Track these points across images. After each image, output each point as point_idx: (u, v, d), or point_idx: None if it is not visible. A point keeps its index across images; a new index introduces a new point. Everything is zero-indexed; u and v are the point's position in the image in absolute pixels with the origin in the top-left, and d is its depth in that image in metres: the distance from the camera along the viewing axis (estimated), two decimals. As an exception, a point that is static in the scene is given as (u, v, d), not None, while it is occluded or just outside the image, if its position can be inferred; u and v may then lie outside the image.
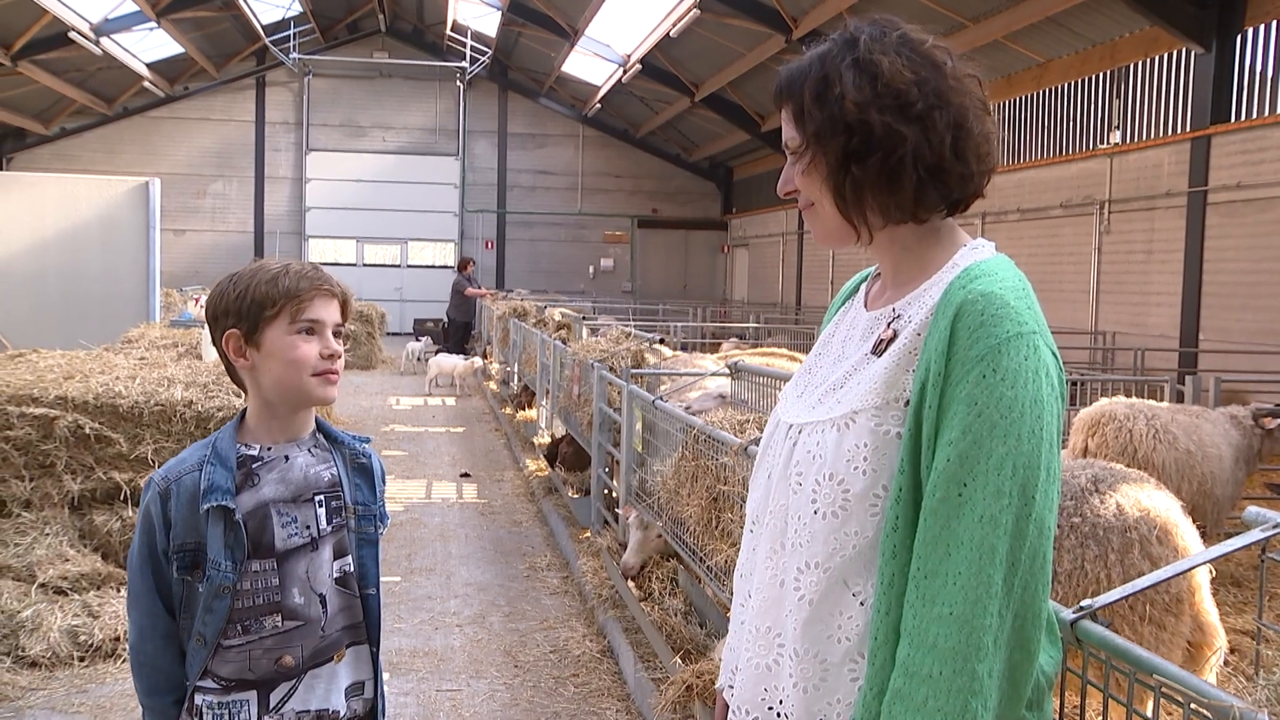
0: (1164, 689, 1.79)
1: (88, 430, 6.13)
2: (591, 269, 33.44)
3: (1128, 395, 8.15)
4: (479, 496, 9.86)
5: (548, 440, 10.49)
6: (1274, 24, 12.54)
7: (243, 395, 2.35)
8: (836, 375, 1.71)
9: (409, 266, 32.03)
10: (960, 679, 1.42)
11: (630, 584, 6.13)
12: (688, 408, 5.42)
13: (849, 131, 1.61)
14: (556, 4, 24.03)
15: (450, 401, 16.69)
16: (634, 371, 7.25)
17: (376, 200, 31.48)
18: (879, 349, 1.65)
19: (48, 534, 5.97)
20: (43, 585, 5.67)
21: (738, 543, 4.11)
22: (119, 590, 5.83)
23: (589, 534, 7.67)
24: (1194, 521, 3.38)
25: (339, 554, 2.30)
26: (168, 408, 6.27)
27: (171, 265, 25.51)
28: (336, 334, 2.31)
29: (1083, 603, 1.99)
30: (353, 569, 2.32)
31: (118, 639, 5.49)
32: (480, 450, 12.34)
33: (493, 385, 17.40)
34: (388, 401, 16.38)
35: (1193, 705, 1.72)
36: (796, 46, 19.12)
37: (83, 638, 5.44)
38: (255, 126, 31.36)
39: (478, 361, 17.43)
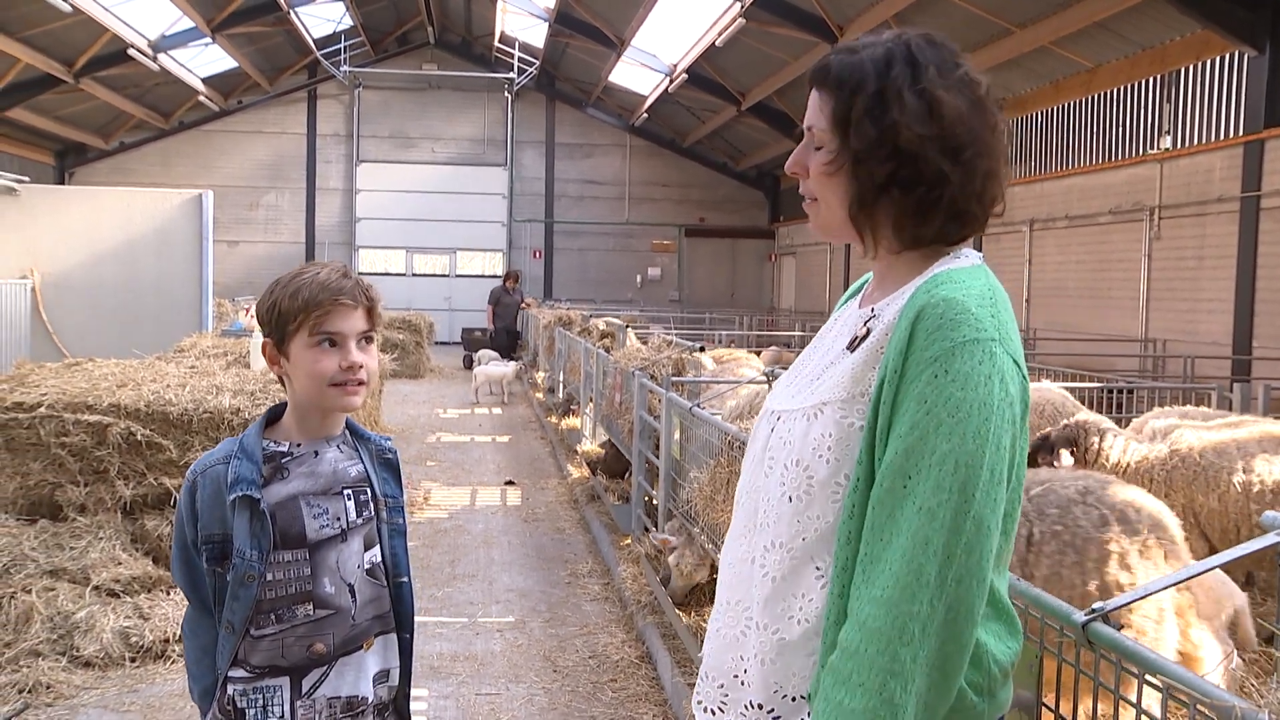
0: (1172, 690, 1.81)
1: (139, 437, 6.29)
2: (639, 278, 33.52)
3: (1176, 404, 8.07)
4: (522, 504, 9.94)
5: (592, 448, 10.56)
6: (1328, 26, 12.33)
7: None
8: (815, 367, 1.79)
9: (458, 276, 32.31)
10: (883, 659, 1.48)
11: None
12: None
13: (899, 160, 1.64)
14: (603, 15, 24.17)
15: (497, 411, 16.83)
16: (675, 380, 7.30)
17: (425, 211, 31.81)
18: (853, 345, 1.73)
19: (101, 538, 6.13)
20: (96, 588, 5.82)
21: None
22: (169, 593, 5.97)
23: (630, 540, 7.72)
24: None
25: (368, 545, 2.39)
26: (216, 415, 6.41)
27: (225, 276, 25.94)
28: (370, 339, 2.39)
29: (1094, 605, 2.01)
30: (379, 560, 2.41)
31: (167, 640, 5.63)
32: (525, 458, 12.44)
33: (539, 394, 17.53)
34: (434, 411, 16.56)
35: (1199, 706, 1.73)
36: (842, 54, 19.06)
37: (134, 639, 5.58)
38: (306, 139, 31.84)
39: (512, 366, 17.71)
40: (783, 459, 1.70)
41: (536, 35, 28.40)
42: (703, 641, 4.89)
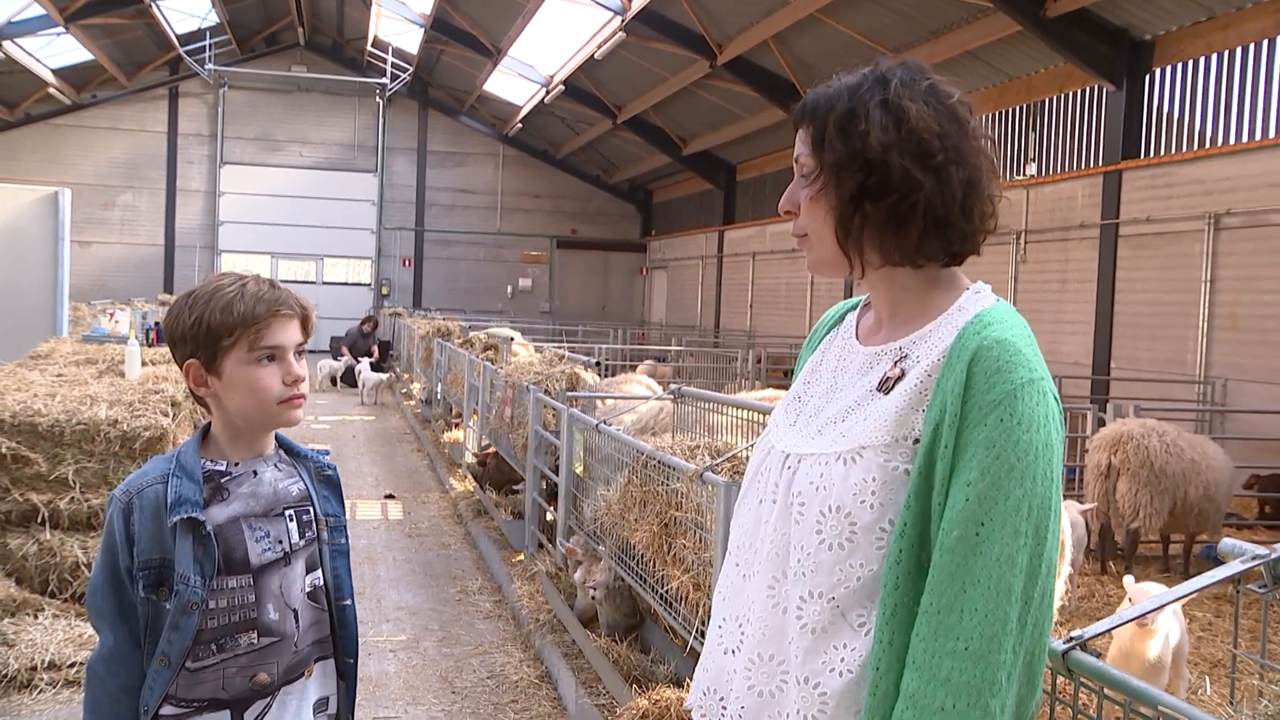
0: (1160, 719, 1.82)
1: (4, 450, 5.88)
2: (510, 289, 33.32)
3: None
4: (404, 518, 9.70)
5: (474, 463, 10.38)
6: (1180, 65, 13.04)
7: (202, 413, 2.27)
8: (836, 408, 1.72)
9: (324, 283, 31.53)
10: (974, 713, 1.45)
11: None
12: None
13: (868, 169, 1.63)
14: (480, 23, 23.95)
15: (369, 418, 16.45)
16: (570, 394, 7.22)
17: (292, 216, 30.95)
18: (885, 386, 1.67)
19: (-41, 558, 5.72)
20: (-48, 612, 5.42)
21: (691, 569, 4.11)
22: (36, 617, 5.59)
23: (522, 557, 7.59)
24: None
25: (310, 568, 2.26)
26: (90, 427, 6.05)
27: (77, 278, 24.55)
28: (301, 352, 2.25)
29: (1072, 634, 2.02)
30: (322, 583, 2.28)
31: (34, 668, 5.26)
32: (403, 471, 12.16)
33: (413, 404, 17.19)
34: (304, 419, 16.07)
35: (1190, 735, 1.75)
36: (721, 72, 19.35)
37: (-4, 667, 5.20)
38: (167, 137, 30.65)
39: (383, 377, 18.83)
40: (817, 505, 1.63)
41: (411, 41, 27.96)
42: (613, 662, 4.76)
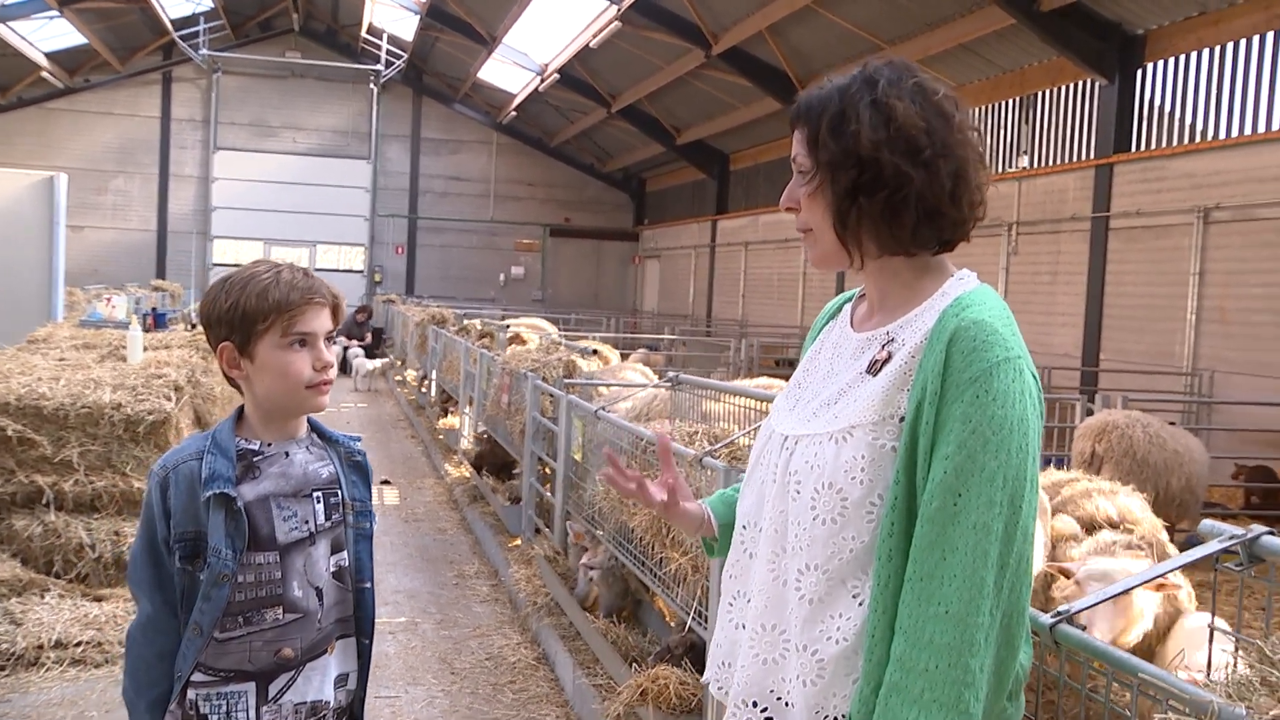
0: (1140, 688, 1.92)
1: (10, 432, 5.97)
2: (502, 277, 33.33)
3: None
4: (401, 503, 9.79)
5: (471, 448, 10.47)
6: (1171, 60, 13.13)
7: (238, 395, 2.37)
8: (830, 391, 1.83)
9: (317, 270, 31.28)
10: (955, 672, 1.55)
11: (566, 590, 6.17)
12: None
13: (860, 166, 1.73)
14: (476, 11, 23.94)
15: (363, 405, 16.52)
16: (568, 381, 7.31)
17: (285, 202, 30.88)
18: (874, 369, 1.78)
19: (-38, 539, 5.79)
20: (-44, 592, 5.49)
21: (690, 551, 4.21)
22: (43, 596, 5.68)
23: (519, 542, 7.69)
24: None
25: (335, 549, 2.34)
26: (95, 410, 6.13)
27: (70, 263, 24.49)
28: (331, 339, 2.35)
29: (1059, 608, 2.12)
30: (348, 563, 2.37)
31: (41, 647, 5.34)
32: (398, 457, 12.24)
33: (406, 391, 17.26)
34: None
35: (1170, 703, 1.85)
36: (716, 62, 19.39)
37: (4, 646, 5.28)
38: (160, 123, 30.55)
39: (377, 363, 19.14)
40: (811, 483, 1.74)
41: (406, 28, 27.94)
42: (611, 643, 4.85)
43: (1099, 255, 13.67)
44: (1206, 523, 2.24)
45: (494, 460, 9.46)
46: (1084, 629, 2.06)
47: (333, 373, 2.32)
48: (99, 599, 5.84)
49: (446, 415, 13.19)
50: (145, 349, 7.81)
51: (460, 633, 6.34)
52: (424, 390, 15.59)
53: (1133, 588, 2.25)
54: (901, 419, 1.69)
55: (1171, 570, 2.21)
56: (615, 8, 19.11)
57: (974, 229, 1.84)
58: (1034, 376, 1.67)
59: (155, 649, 2.21)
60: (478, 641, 6.20)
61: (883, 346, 1.79)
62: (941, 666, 1.55)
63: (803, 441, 1.79)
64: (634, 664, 4.72)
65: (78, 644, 5.39)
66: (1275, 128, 11.79)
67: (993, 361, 1.61)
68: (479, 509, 8.97)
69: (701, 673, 4.28)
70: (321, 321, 2.30)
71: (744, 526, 1.93)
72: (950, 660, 1.55)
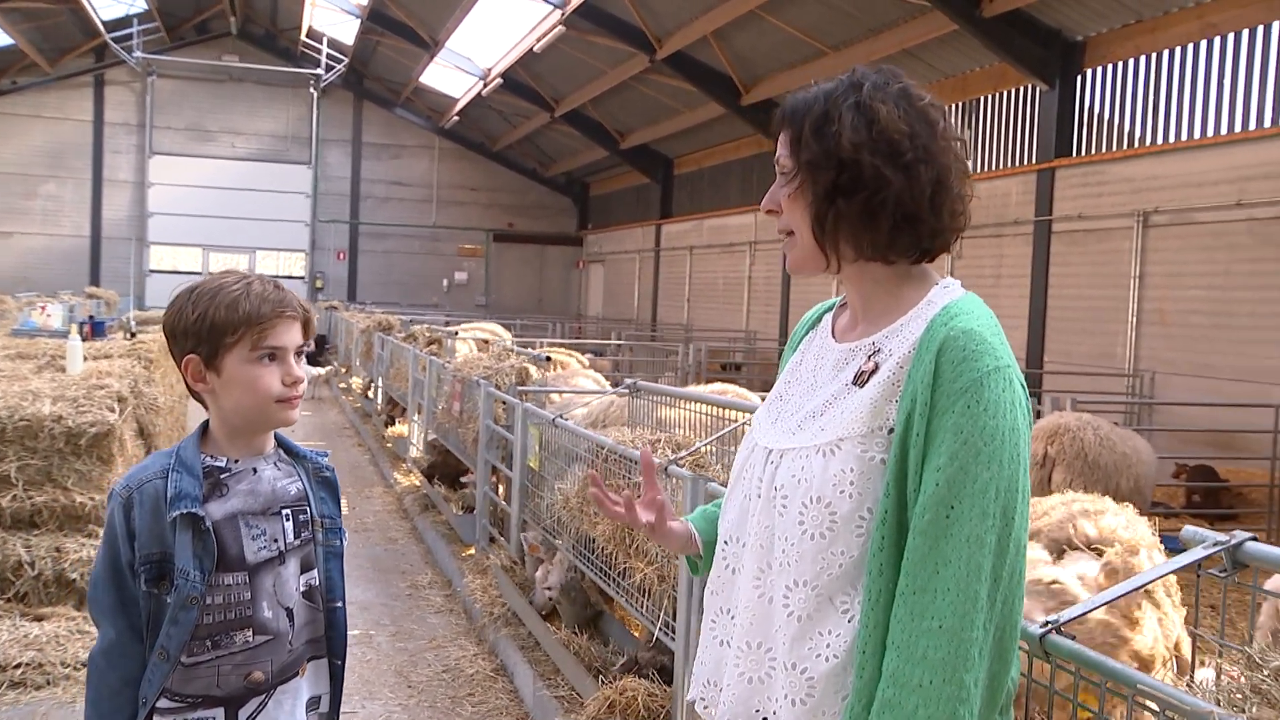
0: (1135, 698, 1.91)
1: (-58, 446, 5.76)
2: (445, 282, 33.14)
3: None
4: (350, 513, 9.63)
5: (423, 456, 10.34)
6: (1110, 67, 13.38)
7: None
8: (814, 403, 1.79)
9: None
10: (949, 688, 1.52)
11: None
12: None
13: (840, 167, 1.70)
14: (417, 14, 23.75)
15: (307, 413, 16.28)
16: (521, 389, 7.23)
17: (224, 207, 30.43)
18: (860, 380, 1.74)
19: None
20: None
21: (655, 561, 4.16)
22: (-22, 617, 5.48)
23: (473, 551, 7.59)
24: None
25: (305, 568, 2.27)
26: (34, 423, 5.92)
27: (-1, 270, 24.15)
28: (299, 353, 2.27)
29: (1048, 618, 2.10)
30: (318, 582, 2.29)
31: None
32: (345, 465, 12.06)
33: (351, 399, 17.05)
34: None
35: (1167, 713, 1.84)
36: (660, 66, 19.40)
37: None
38: (93, 126, 29.96)
39: (320, 371, 18.49)
40: (799, 497, 1.70)
41: (346, 32, 27.64)
42: (574, 654, 4.78)
43: (1042, 258, 13.88)
44: (1189, 529, 2.23)
45: (446, 470, 9.34)
46: (1074, 639, 2.04)
47: (302, 388, 2.24)
48: (39, 618, 5.65)
49: (393, 423, 13.02)
50: (85, 359, 7.61)
51: (416, 645, 6.24)
52: (369, 397, 15.39)
53: (1119, 597, 2.24)
54: (890, 431, 1.66)
55: (1156, 579, 2.21)
56: (559, 12, 19.06)
57: (956, 240, 1.82)
58: (1023, 386, 1.65)
59: (119, 674, 2.11)
60: (434, 653, 6.10)
61: (869, 357, 1.75)
62: (935, 682, 1.52)
63: (788, 455, 1.75)
64: (599, 675, 4.66)
65: (17, 665, 5.19)
66: (1210, 134, 12.05)
67: (983, 371, 1.58)
68: (430, 518, 8.86)
69: (670, 685, 4.24)
70: (292, 336, 2.22)
71: (726, 541, 1.89)
72: (944, 675, 1.52)
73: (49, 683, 5.16)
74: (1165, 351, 12.13)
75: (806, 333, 1.98)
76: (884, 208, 1.69)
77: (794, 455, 1.74)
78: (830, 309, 1.97)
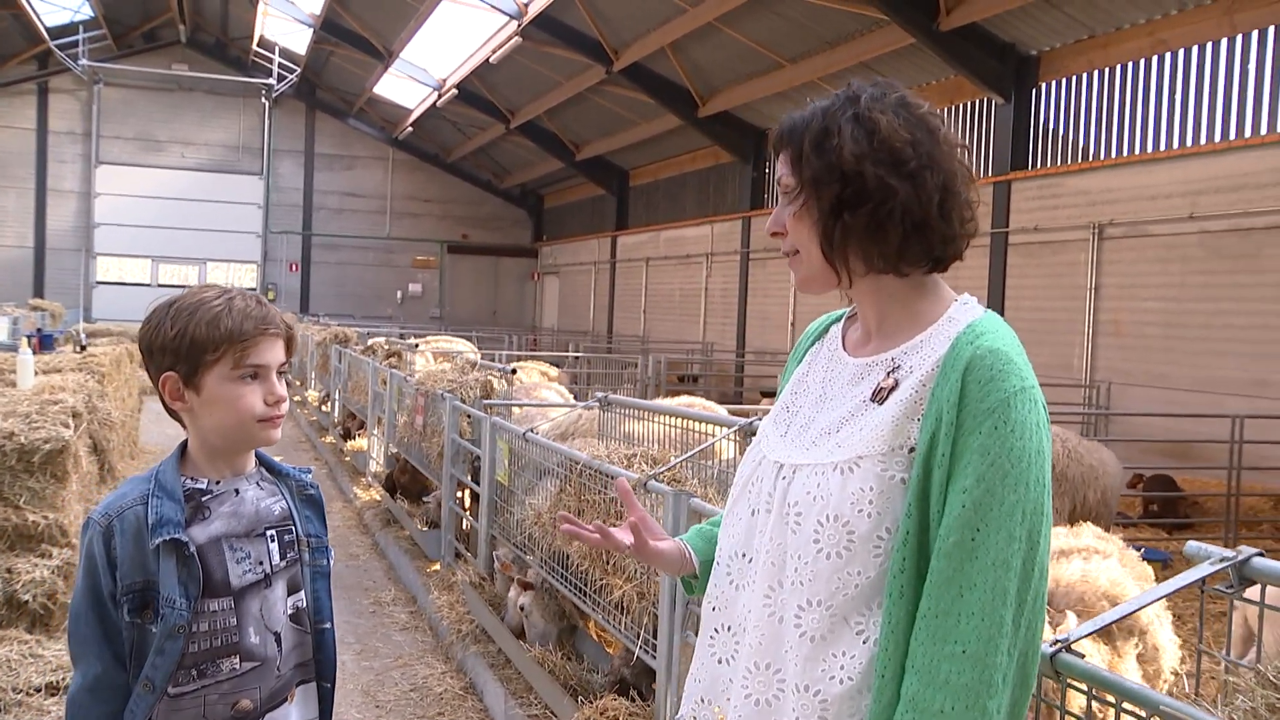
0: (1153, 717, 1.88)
1: (-110, 465, 5.57)
2: (400, 294, 32.90)
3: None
4: (308, 530, 9.46)
5: (382, 471, 10.20)
6: (1064, 81, 13.57)
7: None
8: (830, 418, 1.74)
9: (207, 287, 30.63)
10: (972, 714, 1.48)
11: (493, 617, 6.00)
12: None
13: (844, 181, 1.67)
14: (372, 25, 23.58)
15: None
16: (486, 403, 7.14)
17: (174, 218, 30.00)
18: (879, 396, 1.70)
19: None
20: None
21: (634, 577, 4.10)
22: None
23: (437, 567, 7.48)
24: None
25: (292, 590, 2.19)
26: (-15, 440, 5.76)
27: (-60, 282, 23.61)
28: (281, 372, 2.19)
29: (1057, 636, 2.07)
30: (305, 604, 2.21)
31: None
32: (302, 481, 11.86)
33: (306, 412, 16.82)
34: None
35: (1187, 733, 1.81)
36: (617, 78, 19.40)
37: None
38: (36, 135, 29.44)
39: None
40: (814, 515, 1.65)
41: (299, 41, 27.36)
42: (548, 672, 4.70)
43: (999, 270, 14.02)
44: (1193, 544, 2.21)
45: (411, 486, 9.19)
46: (1083, 656, 2.01)
47: (284, 406, 2.16)
48: (-9, 642, 5.47)
49: (351, 437, 12.84)
50: (35, 373, 7.42)
51: (382, 663, 6.12)
52: (326, 410, 15.19)
53: (1125, 615, 2.22)
54: (912, 450, 1.62)
55: (1160, 598, 2.19)
56: (516, 23, 19.00)
57: (967, 246, 1.79)
58: (1044, 407, 1.62)
59: (106, 709, 2.01)
60: (400, 672, 5.99)
61: (888, 374, 1.71)
62: (958, 708, 1.48)
63: (802, 471, 1.70)
64: (576, 694, 4.58)
65: (-29, 691, 5.03)
66: (1164, 148, 12.24)
67: (1010, 391, 1.55)
68: (392, 533, 8.72)
69: (651, 703, 4.18)
70: (275, 353, 2.14)
71: (730, 557, 1.83)
72: (967, 702, 1.48)
73: (1, 709, 5.00)
74: (1121, 362, 12.28)
75: (812, 343, 1.94)
76: (891, 218, 1.66)
77: (809, 471, 1.69)
78: (838, 320, 1.92)
